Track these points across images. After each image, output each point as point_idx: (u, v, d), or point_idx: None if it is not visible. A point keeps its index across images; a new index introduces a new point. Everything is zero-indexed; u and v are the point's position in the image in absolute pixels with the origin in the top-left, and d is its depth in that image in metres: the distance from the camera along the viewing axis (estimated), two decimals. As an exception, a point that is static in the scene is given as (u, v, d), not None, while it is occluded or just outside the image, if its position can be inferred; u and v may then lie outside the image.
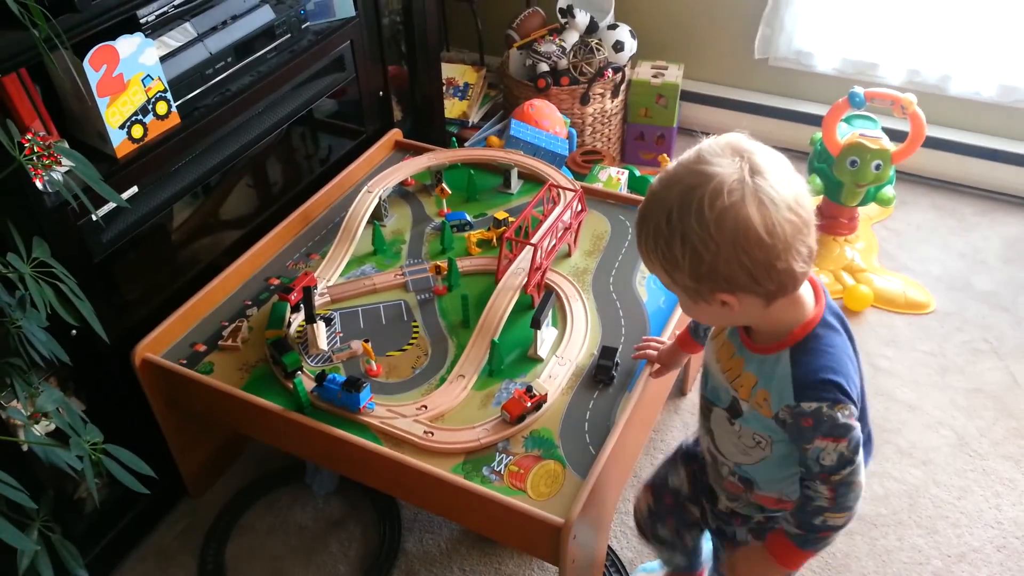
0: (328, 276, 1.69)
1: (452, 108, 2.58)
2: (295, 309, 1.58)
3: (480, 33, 2.70)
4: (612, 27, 2.53)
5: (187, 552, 1.67)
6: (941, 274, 2.27)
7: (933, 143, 2.46)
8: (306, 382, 1.43)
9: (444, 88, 2.60)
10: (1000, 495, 1.72)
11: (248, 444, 1.85)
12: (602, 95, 2.53)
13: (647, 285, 1.66)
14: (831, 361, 0.96)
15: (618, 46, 2.50)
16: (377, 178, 1.86)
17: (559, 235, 1.66)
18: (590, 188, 1.91)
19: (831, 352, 0.97)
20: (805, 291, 0.98)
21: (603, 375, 1.44)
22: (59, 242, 1.31)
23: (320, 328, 1.55)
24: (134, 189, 1.45)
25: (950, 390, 1.95)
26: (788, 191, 0.88)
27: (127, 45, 1.35)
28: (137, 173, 1.44)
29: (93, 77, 1.31)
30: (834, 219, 2.26)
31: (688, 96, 2.78)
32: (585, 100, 2.50)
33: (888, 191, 2.12)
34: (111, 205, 1.41)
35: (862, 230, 2.33)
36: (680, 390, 1.96)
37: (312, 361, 1.51)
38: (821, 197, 2.24)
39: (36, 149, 1.25)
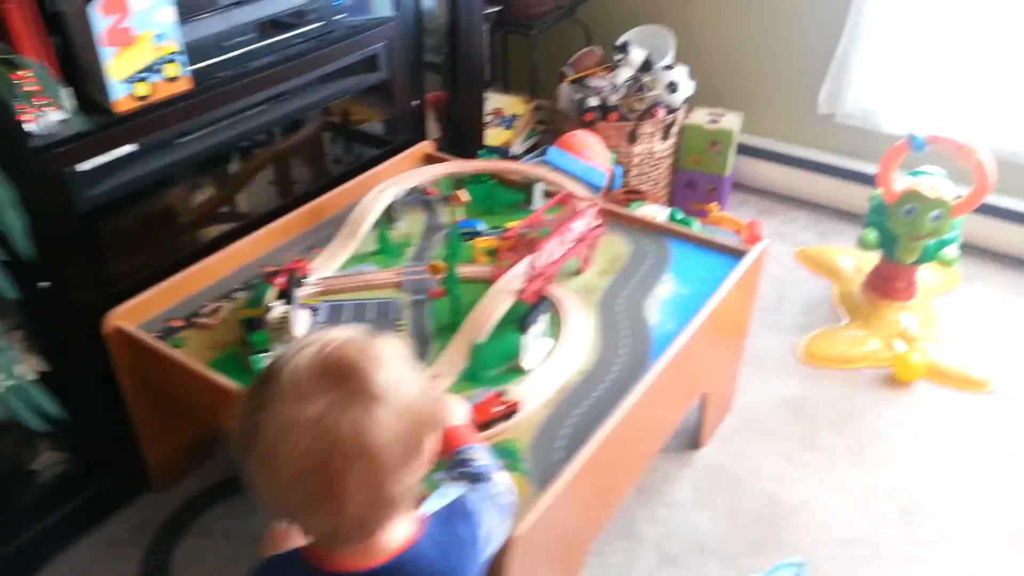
0: (324, 268, 1.61)
1: (497, 136, 2.53)
2: (282, 295, 1.50)
3: (534, 66, 2.66)
4: (668, 67, 2.45)
5: (138, 546, 1.56)
6: (1004, 353, 2.03)
7: (1006, 215, 2.26)
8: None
9: (491, 118, 2.57)
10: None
11: (221, 446, 1.75)
12: (651, 135, 2.44)
13: (659, 308, 1.52)
14: None
15: (672, 87, 2.42)
16: (392, 179, 1.80)
17: (568, 246, 1.54)
18: (616, 211, 1.80)
19: None
20: None
21: None
22: (39, 186, 1.29)
23: (302, 316, 1.46)
24: (132, 147, 1.42)
25: (1009, 473, 1.70)
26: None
27: (141, -1, 1.34)
28: (137, 131, 1.41)
29: (99, 23, 1.30)
30: (890, 282, 2.07)
31: (746, 149, 2.66)
32: (633, 138, 2.41)
33: (949, 251, 1.92)
34: (106, 158, 1.38)
35: (923, 301, 2.12)
36: (693, 442, 1.77)
37: (277, 350, 1.42)
38: (879, 256, 2.06)
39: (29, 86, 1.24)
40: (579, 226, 1.56)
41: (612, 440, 1.21)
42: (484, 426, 1.23)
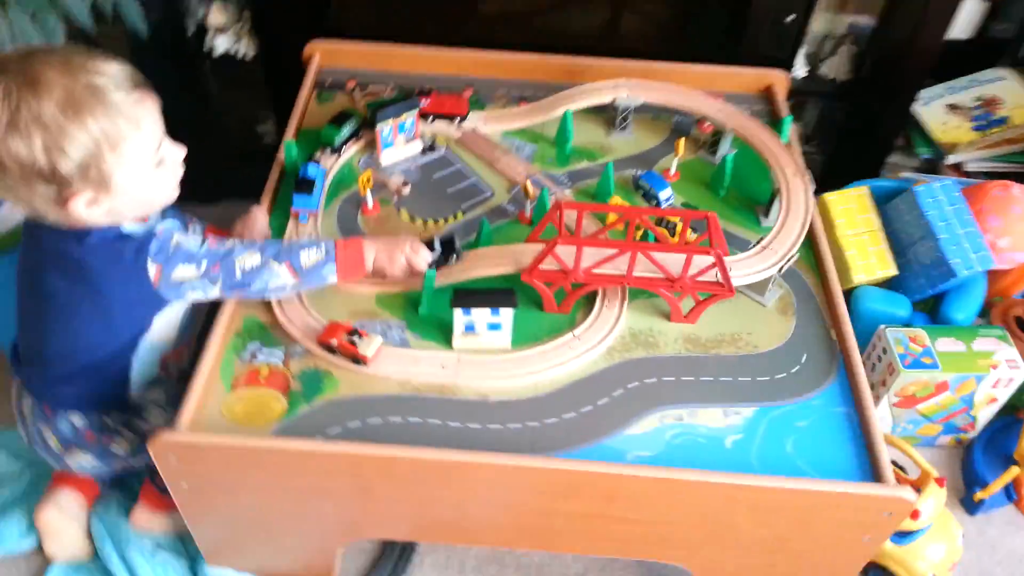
0: (486, 120, 1.44)
1: (952, 130, 1.75)
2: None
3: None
4: None
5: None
6: None
7: None
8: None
9: (973, 103, 1.77)
10: None
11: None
12: None
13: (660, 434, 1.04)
14: None
15: None
16: (642, 86, 1.43)
17: (646, 276, 1.10)
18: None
19: None
20: None
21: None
22: None
23: (408, 147, 1.38)
24: None
25: None
26: None
27: None
28: None
29: None
30: None
31: None
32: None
33: None
34: None
35: None
36: None
37: (361, 159, 1.37)
38: None
39: None
40: (676, 263, 1.08)
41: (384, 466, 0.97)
42: (326, 346, 1.07)
